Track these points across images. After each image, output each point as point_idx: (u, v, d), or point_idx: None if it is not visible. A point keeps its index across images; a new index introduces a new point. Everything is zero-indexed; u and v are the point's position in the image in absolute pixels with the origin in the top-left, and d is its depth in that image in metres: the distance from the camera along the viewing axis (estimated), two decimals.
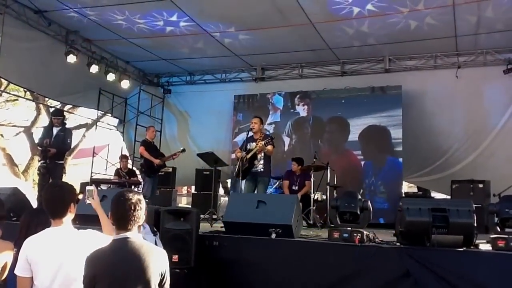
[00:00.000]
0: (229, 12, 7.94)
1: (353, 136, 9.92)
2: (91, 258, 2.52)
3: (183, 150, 8.64)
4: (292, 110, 10.59)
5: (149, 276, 2.48)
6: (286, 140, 10.47)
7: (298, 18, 7.92)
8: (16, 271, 2.71)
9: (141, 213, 2.62)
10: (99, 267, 2.49)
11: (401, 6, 7.45)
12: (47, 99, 13.14)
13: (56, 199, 2.84)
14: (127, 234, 2.58)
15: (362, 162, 9.74)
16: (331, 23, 8.16)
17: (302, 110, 10.55)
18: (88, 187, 3.53)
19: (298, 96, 10.59)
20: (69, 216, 2.85)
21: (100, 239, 2.88)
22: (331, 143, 10.11)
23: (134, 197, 2.63)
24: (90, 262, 2.51)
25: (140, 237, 2.65)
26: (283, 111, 10.65)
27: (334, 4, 7.52)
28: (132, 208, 2.59)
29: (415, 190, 10.50)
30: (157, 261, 2.55)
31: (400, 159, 9.32)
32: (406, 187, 11.52)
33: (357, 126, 9.93)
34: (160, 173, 9.02)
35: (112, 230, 3.05)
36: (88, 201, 3.42)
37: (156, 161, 8.50)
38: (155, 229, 4.51)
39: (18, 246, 2.93)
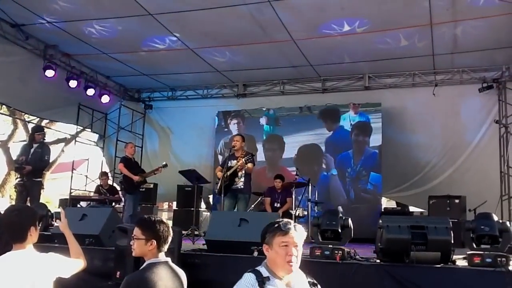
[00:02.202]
0: (211, 28, 7.99)
1: (287, 153, 10.33)
2: (133, 281, 2.61)
3: (165, 165, 8.60)
4: (226, 129, 10.83)
5: None
6: (220, 157, 10.48)
7: (280, 34, 8.03)
8: None
9: None
10: None
11: (382, 26, 7.63)
12: (24, 113, 12.96)
13: (14, 224, 2.79)
14: (161, 257, 2.77)
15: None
16: (313, 40, 8.29)
17: (234, 129, 10.81)
18: (56, 209, 3.53)
19: (231, 115, 10.90)
20: (30, 240, 2.80)
21: (63, 262, 2.87)
22: (267, 160, 10.43)
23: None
24: (132, 285, 2.59)
25: (169, 259, 2.81)
26: (217, 130, 10.92)
27: (325, 28, 7.74)
28: (171, 230, 2.85)
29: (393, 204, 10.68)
30: (185, 284, 2.78)
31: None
32: (385, 201, 11.67)
33: (289, 144, 10.35)
34: (141, 189, 8.94)
35: (80, 253, 3.06)
36: (56, 224, 3.39)
37: (136, 178, 8.37)
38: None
39: None
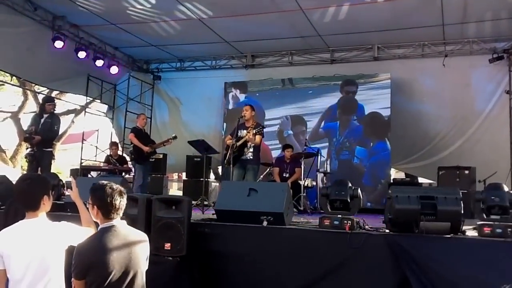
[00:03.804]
0: None
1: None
2: (83, 247, 2.63)
3: (175, 137, 8.62)
4: None
5: (139, 261, 2.71)
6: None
7: (288, 4, 7.91)
8: None
9: (124, 201, 2.81)
10: (93, 256, 2.60)
11: None
12: (34, 84, 13.02)
13: (27, 193, 2.83)
14: (114, 222, 2.74)
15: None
16: (321, 10, 8.17)
17: None
18: (67, 179, 3.57)
19: None
20: (43, 209, 2.85)
21: (75, 230, 2.92)
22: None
23: (118, 186, 2.81)
24: (82, 251, 2.62)
25: (124, 223, 2.80)
26: None
27: None
28: (118, 196, 2.77)
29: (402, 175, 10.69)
30: (144, 247, 2.78)
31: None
32: (394, 172, 11.68)
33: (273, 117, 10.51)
34: (151, 160, 9.01)
35: (91, 222, 3.11)
36: (67, 192, 3.44)
37: (146, 148, 8.43)
38: None
39: None
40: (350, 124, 9.92)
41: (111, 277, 2.58)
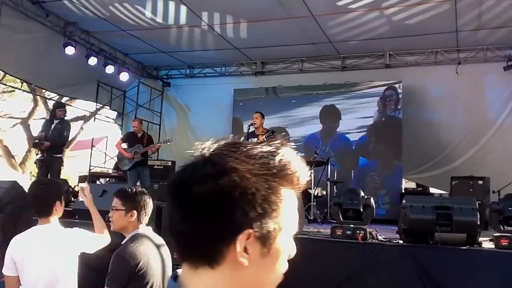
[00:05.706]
0: (229, 3, 7.87)
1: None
2: (124, 255, 2.56)
3: (168, 141, 8.60)
4: None
5: (169, 266, 2.76)
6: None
7: (299, 10, 7.85)
8: (3, 270, 2.69)
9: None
10: (134, 264, 2.53)
11: (405, 0, 7.41)
12: (44, 90, 13.08)
13: (41, 198, 2.80)
14: (141, 228, 2.73)
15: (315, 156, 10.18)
16: (332, 16, 8.11)
17: None
18: (81, 184, 3.55)
19: None
20: (56, 214, 2.81)
21: (88, 237, 2.87)
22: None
23: (144, 190, 2.84)
24: (123, 259, 2.55)
25: (150, 229, 2.79)
26: None
27: (346, 3, 7.58)
28: (149, 199, 2.80)
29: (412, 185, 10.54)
30: (168, 252, 2.81)
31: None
32: (404, 182, 11.53)
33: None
34: (158, 167, 8.92)
35: (104, 228, 3.06)
36: (81, 198, 3.42)
37: (127, 155, 8.10)
38: None
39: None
40: (333, 134, 9.89)
41: (151, 284, 2.56)
